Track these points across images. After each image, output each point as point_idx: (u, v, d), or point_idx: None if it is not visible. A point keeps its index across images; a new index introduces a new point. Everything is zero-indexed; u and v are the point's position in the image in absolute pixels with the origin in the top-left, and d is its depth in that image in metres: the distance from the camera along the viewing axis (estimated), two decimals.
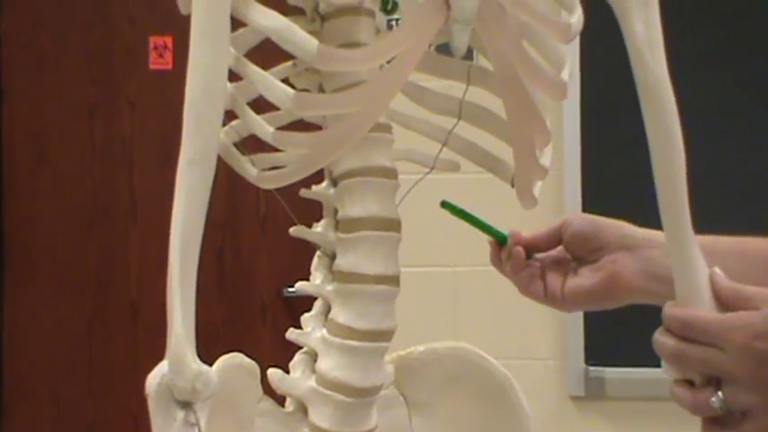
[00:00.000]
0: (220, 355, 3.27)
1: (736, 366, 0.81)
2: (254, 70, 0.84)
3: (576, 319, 2.71)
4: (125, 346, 3.12)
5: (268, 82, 0.83)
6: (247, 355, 3.17)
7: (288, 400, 0.98)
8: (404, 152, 0.98)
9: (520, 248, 1.08)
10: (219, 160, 0.83)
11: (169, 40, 3.13)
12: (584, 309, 1.10)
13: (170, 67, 3.13)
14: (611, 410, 2.71)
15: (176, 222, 0.81)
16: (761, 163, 2.67)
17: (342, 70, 0.88)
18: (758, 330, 0.80)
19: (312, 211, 0.99)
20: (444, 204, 1.03)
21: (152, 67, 3.14)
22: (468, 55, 0.90)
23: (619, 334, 2.72)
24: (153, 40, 3.13)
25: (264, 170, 0.91)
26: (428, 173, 1.01)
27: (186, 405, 0.82)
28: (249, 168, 0.90)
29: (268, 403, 0.96)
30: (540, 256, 1.10)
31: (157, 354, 2.92)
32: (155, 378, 0.82)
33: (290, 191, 0.94)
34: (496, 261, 1.11)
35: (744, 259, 1.01)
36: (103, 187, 3.14)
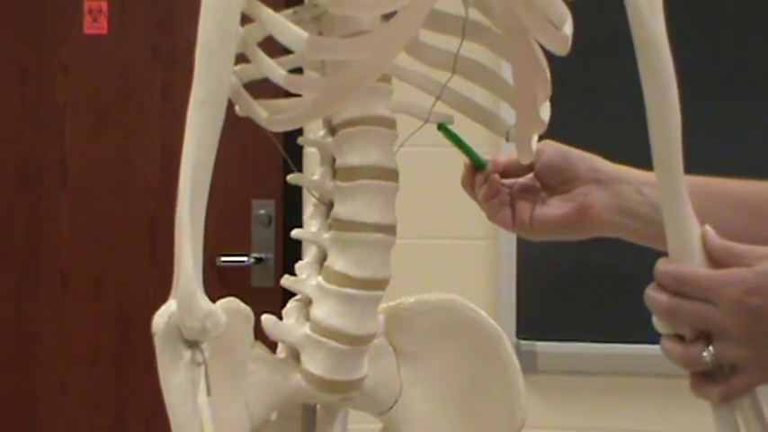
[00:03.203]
0: (150, 324, 3.24)
1: (728, 321, 0.83)
2: (266, 13, 0.84)
3: (509, 294, 2.75)
4: (53, 313, 3.07)
5: (281, 25, 0.82)
6: None
7: (279, 347, 0.98)
8: (399, 104, 0.98)
9: (497, 176, 1.10)
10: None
11: (104, 5, 3.07)
12: (552, 237, 1.12)
13: (105, 32, 3.08)
14: (542, 384, 2.75)
15: (187, 162, 0.81)
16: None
17: (355, 14, 0.88)
18: (751, 286, 0.83)
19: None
20: (441, 127, 1.03)
21: (86, 31, 3.09)
22: None
23: (550, 308, 2.78)
24: (87, 4, 3.08)
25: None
26: (422, 126, 1.02)
27: (193, 344, 0.82)
28: (259, 111, 0.89)
29: (260, 349, 0.96)
30: (508, 182, 1.11)
31: (86, 321, 2.91)
32: (162, 317, 0.82)
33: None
34: (468, 184, 1.13)
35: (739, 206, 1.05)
36: (34, 153, 3.08)
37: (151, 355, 2.91)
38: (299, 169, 2.81)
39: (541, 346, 2.76)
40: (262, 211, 2.96)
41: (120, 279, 3.07)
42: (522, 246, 2.71)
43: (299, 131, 2.71)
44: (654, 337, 2.82)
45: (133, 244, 3.06)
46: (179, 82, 3.05)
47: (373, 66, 0.82)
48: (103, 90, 3.08)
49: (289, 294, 0.96)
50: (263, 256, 2.91)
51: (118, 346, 3.06)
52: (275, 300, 2.78)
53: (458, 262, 2.69)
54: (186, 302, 0.81)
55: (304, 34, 0.80)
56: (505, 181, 1.11)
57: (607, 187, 1.08)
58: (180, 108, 2.87)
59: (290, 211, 2.91)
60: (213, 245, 3.01)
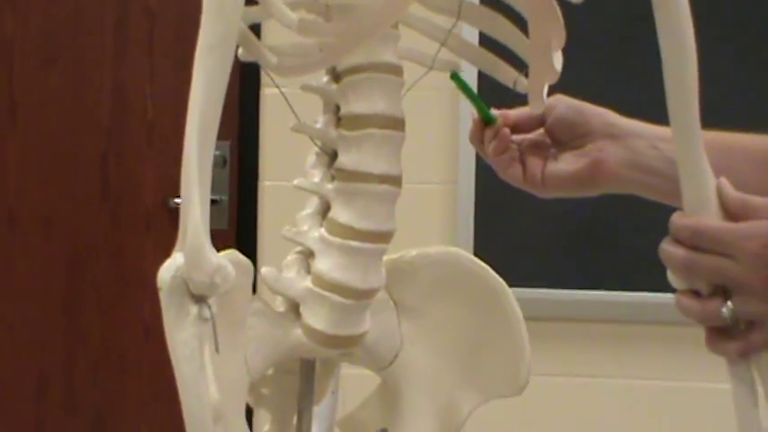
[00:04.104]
0: (100, 266, 3.20)
1: (748, 275, 0.81)
2: None
3: (466, 239, 2.73)
4: (1, 251, 3.00)
5: None
6: (130, 264, 3.10)
7: (278, 300, 0.95)
8: (403, 51, 0.95)
9: (507, 130, 1.07)
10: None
11: None
12: (564, 194, 1.09)
13: None
14: None
15: (194, 108, 0.76)
16: None
17: None
18: None
19: None
20: (454, 76, 1.00)
21: None
22: None
23: (508, 254, 2.77)
24: None
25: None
26: (427, 72, 0.98)
27: (200, 299, 0.78)
28: (269, 56, 0.85)
29: (260, 303, 0.92)
30: (517, 138, 1.09)
31: (35, 262, 2.84)
32: (168, 271, 0.78)
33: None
34: (477, 139, 1.10)
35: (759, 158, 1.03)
36: None
37: (101, 296, 2.88)
38: (256, 113, 2.80)
39: None
40: (216, 152, 2.87)
41: (71, 219, 3.00)
42: (481, 190, 2.70)
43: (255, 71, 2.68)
44: (608, 285, 2.85)
45: (83, 183, 3.00)
46: (133, 17, 2.97)
47: (390, 10, 0.78)
48: (53, 25, 2.99)
49: (244, 237, 0.92)
50: (217, 197, 2.85)
51: (67, 288, 3.01)
52: (229, 242, 2.75)
53: (415, 206, 2.67)
54: (194, 256, 0.77)
55: None
56: (514, 137, 1.08)
57: (621, 142, 1.05)
58: (133, 45, 2.82)
59: (246, 153, 2.86)
60: (166, 186, 2.96)
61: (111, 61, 2.98)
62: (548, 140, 1.09)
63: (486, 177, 2.68)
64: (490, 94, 1.08)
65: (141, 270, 2.95)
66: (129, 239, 2.98)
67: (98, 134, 2.99)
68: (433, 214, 2.76)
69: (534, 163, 1.08)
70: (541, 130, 1.09)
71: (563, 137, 1.08)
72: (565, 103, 1.08)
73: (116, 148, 2.99)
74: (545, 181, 1.08)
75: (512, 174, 1.09)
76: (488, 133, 1.08)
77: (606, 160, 1.05)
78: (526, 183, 1.09)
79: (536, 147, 1.09)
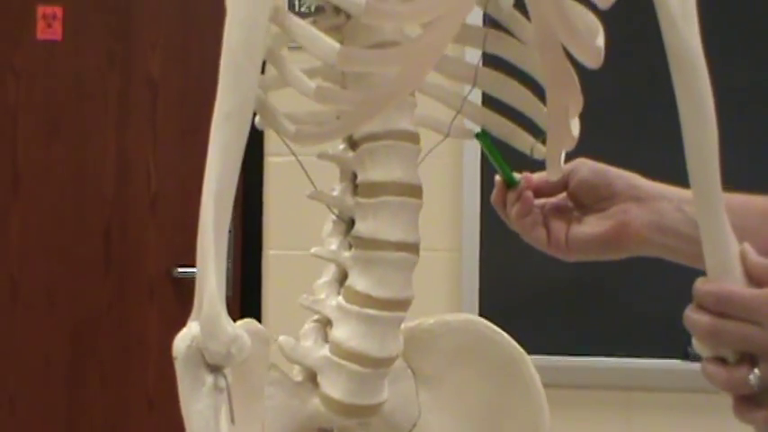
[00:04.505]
0: (103, 337, 3.18)
1: None
2: (295, 22, 0.80)
3: (471, 307, 2.72)
4: (2, 325, 2.99)
5: (310, 34, 0.78)
6: (134, 335, 3.08)
7: (296, 370, 0.94)
8: (419, 118, 0.95)
9: (530, 193, 1.06)
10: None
11: (59, 10, 3.00)
12: (589, 257, 1.08)
13: (59, 38, 3.00)
14: None
15: (210, 177, 0.76)
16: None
17: (388, 25, 0.85)
18: None
19: None
20: (480, 135, 1.00)
21: (40, 37, 3.01)
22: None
23: (513, 321, 2.75)
24: (41, 9, 3.00)
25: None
26: (443, 140, 0.98)
27: (215, 369, 0.77)
28: (286, 125, 0.85)
29: (278, 372, 0.91)
30: (540, 201, 1.08)
31: (37, 333, 2.82)
32: (184, 340, 0.77)
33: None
34: (500, 202, 1.09)
35: None
36: None
37: (104, 368, 2.85)
38: (260, 182, 2.80)
39: None
40: None
41: (73, 290, 2.99)
42: (485, 258, 2.69)
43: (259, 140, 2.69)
44: (614, 350, 2.83)
45: (87, 254, 2.99)
46: (135, 89, 2.99)
47: (409, 79, 0.78)
48: (57, 96, 3.00)
49: (248, 306, 0.91)
50: None
51: (70, 360, 2.98)
52: (233, 311, 2.73)
53: (419, 273, 2.64)
54: (210, 325, 0.76)
55: (336, 45, 0.76)
56: (537, 201, 1.08)
57: (647, 205, 1.04)
58: (135, 115, 2.83)
59: (250, 221, 2.85)
60: (169, 255, 2.95)
61: (113, 131, 2.99)
62: (570, 204, 1.08)
63: (490, 244, 2.68)
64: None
65: (145, 341, 2.93)
66: (132, 310, 2.97)
67: (101, 204, 2.98)
68: (437, 281, 2.75)
69: (558, 226, 1.07)
70: (564, 194, 1.09)
71: (587, 200, 1.07)
72: (588, 166, 1.07)
73: (119, 217, 2.98)
74: (569, 244, 1.07)
75: (535, 237, 1.08)
76: (511, 196, 1.07)
77: (631, 223, 1.04)
78: (550, 246, 1.08)
79: (559, 210, 1.08)
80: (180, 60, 3.00)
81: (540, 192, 1.08)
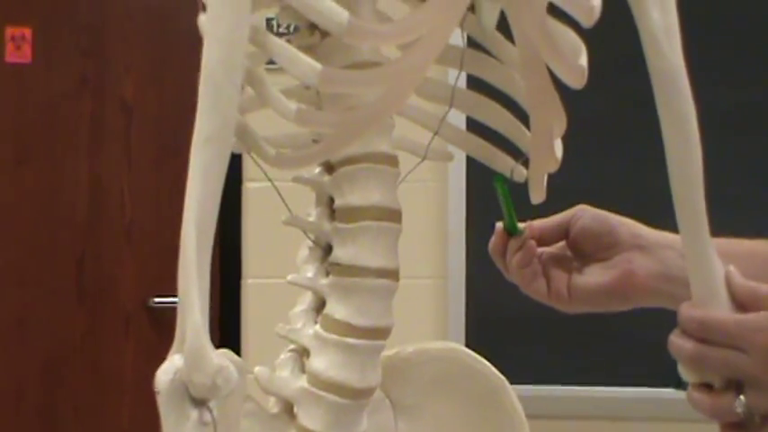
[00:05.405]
0: (77, 370, 3.17)
1: (759, 369, 0.80)
2: (274, 42, 0.80)
3: (457, 336, 2.72)
4: None
5: (291, 55, 0.78)
6: (108, 368, 3.07)
7: (272, 401, 0.94)
8: (397, 140, 0.95)
9: (533, 242, 1.05)
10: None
11: (28, 32, 3.00)
12: (592, 309, 1.07)
13: (29, 60, 3.01)
14: None
15: (191, 202, 0.76)
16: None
17: (370, 45, 0.85)
18: None
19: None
20: (499, 181, 0.99)
21: (8, 59, 3.01)
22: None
23: (500, 350, 2.75)
24: (10, 31, 3.00)
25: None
26: (420, 162, 0.99)
27: (200, 403, 0.77)
28: (266, 148, 0.85)
29: (253, 404, 0.91)
30: (538, 251, 1.07)
31: (7, 364, 2.79)
32: (167, 374, 0.77)
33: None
34: (498, 251, 1.08)
35: (760, 262, 1.02)
36: None
37: (77, 403, 2.84)
38: (239, 208, 2.80)
39: None
40: None
41: (45, 321, 2.98)
42: (472, 285, 2.70)
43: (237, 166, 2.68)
44: (605, 379, 2.84)
45: (59, 284, 2.98)
46: (108, 113, 2.99)
47: (392, 100, 0.78)
48: (27, 121, 3.00)
49: (227, 336, 0.91)
50: None
51: (42, 395, 2.97)
52: (213, 341, 2.72)
53: (403, 302, 2.64)
54: (194, 357, 0.76)
55: (317, 65, 0.76)
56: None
57: (651, 254, 1.04)
58: (109, 140, 2.83)
59: (228, 249, 2.85)
60: (145, 285, 2.94)
61: (86, 157, 2.99)
62: (569, 253, 1.08)
63: (477, 270, 2.68)
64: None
65: (120, 374, 2.92)
66: (107, 342, 2.96)
67: (74, 232, 2.98)
68: (422, 310, 2.76)
69: (558, 276, 1.06)
70: (562, 243, 1.08)
71: (588, 248, 1.06)
72: (590, 214, 1.07)
73: (93, 246, 2.98)
74: (572, 295, 1.06)
75: (536, 288, 1.07)
76: (513, 245, 1.06)
77: (637, 272, 1.03)
78: (551, 297, 1.07)
79: (558, 260, 1.08)
80: (155, 82, 3.01)
81: (541, 240, 1.07)
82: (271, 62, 0.84)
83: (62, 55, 3.02)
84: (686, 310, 0.85)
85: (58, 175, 3.00)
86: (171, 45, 3.03)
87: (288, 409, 0.92)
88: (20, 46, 3.01)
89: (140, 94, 3.01)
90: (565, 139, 0.94)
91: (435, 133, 0.99)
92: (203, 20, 0.79)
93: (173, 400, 0.77)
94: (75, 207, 2.99)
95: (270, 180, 0.95)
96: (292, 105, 0.80)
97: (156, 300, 2.93)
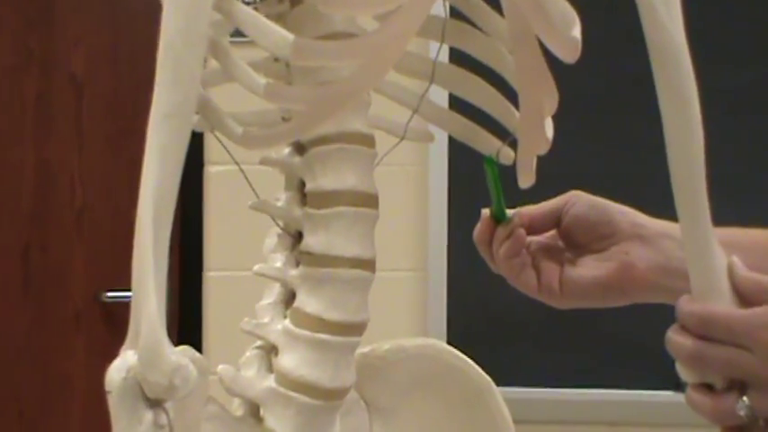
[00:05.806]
0: (22, 370, 3.16)
1: (765, 368, 0.80)
2: (240, 9, 0.80)
3: (439, 331, 2.73)
4: None
5: (260, 24, 0.78)
6: (57, 368, 3.06)
7: (236, 403, 0.94)
8: (373, 119, 0.95)
9: (523, 231, 1.04)
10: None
11: None
12: (586, 304, 1.06)
13: None
14: None
15: (148, 185, 0.76)
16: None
17: (348, 14, 0.85)
18: None
19: None
20: (488, 162, 0.99)
21: None
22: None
23: (481, 347, 2.76)
24: None
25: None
26: (398, 143, 0.99)
27: (155, 404, 0.77)
28: (231, 126, 0.85)
29: (215, 406, 0.91)
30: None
31: None
32: (119, 372, 0.77)
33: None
34: (484, 240, 1.06)
35: (765, 253, 1.02)
36: None
37: (22, 405, 2.84)
38: (200, 194, 2.80)
39: None
40: None
41: None
42: (453, 279, 2.70)
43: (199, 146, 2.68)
44: (597, 380, 2.84)
45: (2, 276, 2.97)
46: (56, 90, 2.97)
47: (370, 74, 0.78)
48: None
49: (187, 331, 0.91)
50: None
51: None
52: (170, 337, 2.71)
53: (381, 296, 2.64)
54: (150, 354, 0.76)
55: (289, 36, 0.76)
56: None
57: (651, 244, 1.03)
58: (57, 120, 2.82)
59: (189, 238, 2.85)
60: (97, 278, 2.94)
61: (32, 138, 2.98)
62: (560, 243, 1.07)
63: (459, 263, 2.69)
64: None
65: (70, 374, 2.91)
66: (55, 339, 2.95)
67: (19, 220, 2.97)
68: (401, 305, 2.76)
69: (549, 269, 1.05)
70: (552, 233, 1.07)
71: (582, 238, 1.06)
72: (585, 201, 1.06)
73: (40, 235, 2.97)
74: (564, 289, 1.05)
75: (524, 281, 1.05)
76: (500, 233, 1.04)
77: (636, 265, 1.02)
78: (541, 291, 1.05)
79: (548, 250, 1.07)
80: (108, 57, 3.00)
81: (531, 228, 1.06)
82: (236, 33, 0.83)
83: (5, 27, 3.00)
84: (685, 305, 0.85)
85: (1, 158, 2.98)
86: (125, 16, 3.01)
87: (254, 411, 0.92)
88: None
89: (91, 70, 2.99)
90: (556, 119, 0.94)
91: (415, 111, 0.99)
92: None
93: (125, 400, 0.77)
94: (21, 193, 2.97)
95: (235, 161, 0.95)
96: (260, 80, 0.80)
97: (109, 294, 2.91)
